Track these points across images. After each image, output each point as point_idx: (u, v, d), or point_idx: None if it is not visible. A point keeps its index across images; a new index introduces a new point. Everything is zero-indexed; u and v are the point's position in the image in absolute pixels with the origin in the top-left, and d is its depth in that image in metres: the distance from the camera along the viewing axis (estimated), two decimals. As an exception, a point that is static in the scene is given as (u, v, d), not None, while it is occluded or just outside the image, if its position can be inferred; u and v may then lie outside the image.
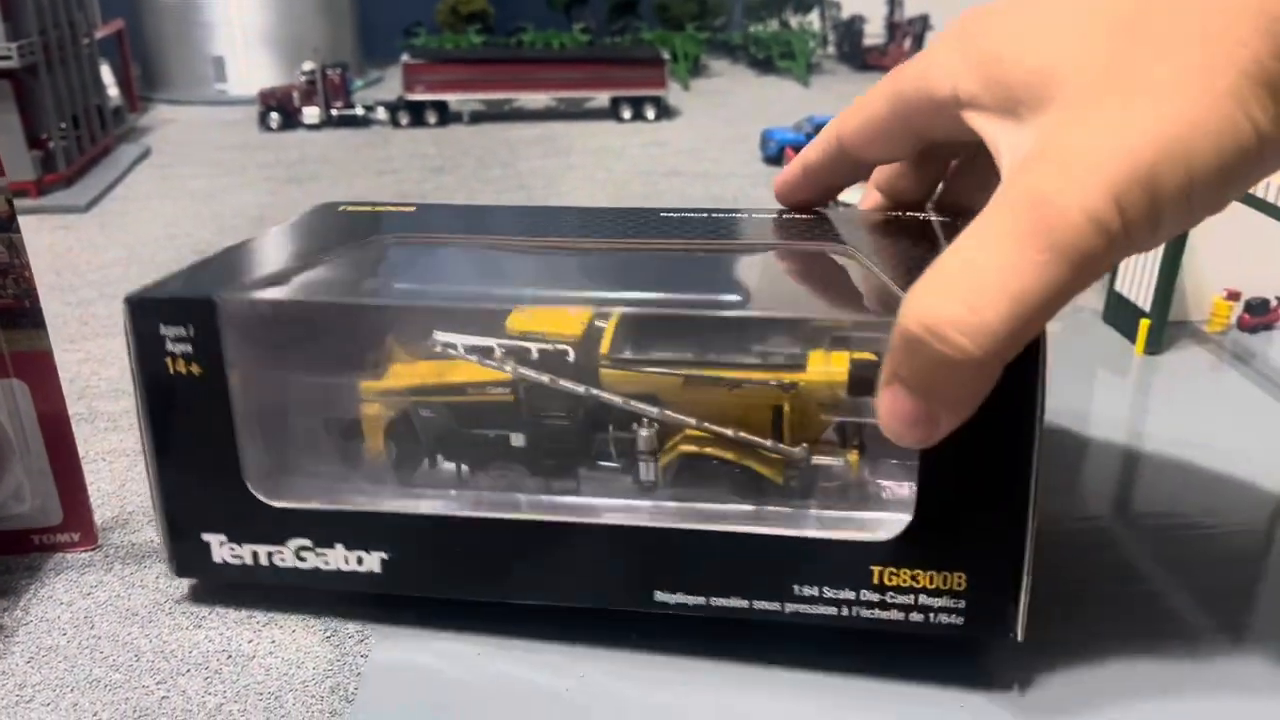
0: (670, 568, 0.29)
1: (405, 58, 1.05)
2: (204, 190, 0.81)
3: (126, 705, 0.29)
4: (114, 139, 0.90)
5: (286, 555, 0.31)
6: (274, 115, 1.01)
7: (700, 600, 0.29)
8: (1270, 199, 0.42)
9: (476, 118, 1.06)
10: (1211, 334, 0.52)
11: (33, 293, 0.32)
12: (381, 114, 1.04)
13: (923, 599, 0.27)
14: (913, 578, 0.27)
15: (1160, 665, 0.30)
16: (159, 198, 0.79)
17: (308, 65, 1.04)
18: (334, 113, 1.03)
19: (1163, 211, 0.22)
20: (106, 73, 0.92)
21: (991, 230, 0.23)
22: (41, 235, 0.69)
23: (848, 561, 0.27)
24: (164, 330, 0.28)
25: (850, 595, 0.27)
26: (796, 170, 0.34)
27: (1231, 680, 0.29)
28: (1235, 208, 0.43)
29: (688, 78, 1.29)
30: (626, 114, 1.07)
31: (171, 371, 0.28)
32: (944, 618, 0.27)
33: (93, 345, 0.53)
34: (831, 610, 0.28)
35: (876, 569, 0.27)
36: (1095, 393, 0.47)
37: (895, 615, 0.27)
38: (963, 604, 0.27)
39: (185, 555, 0.32)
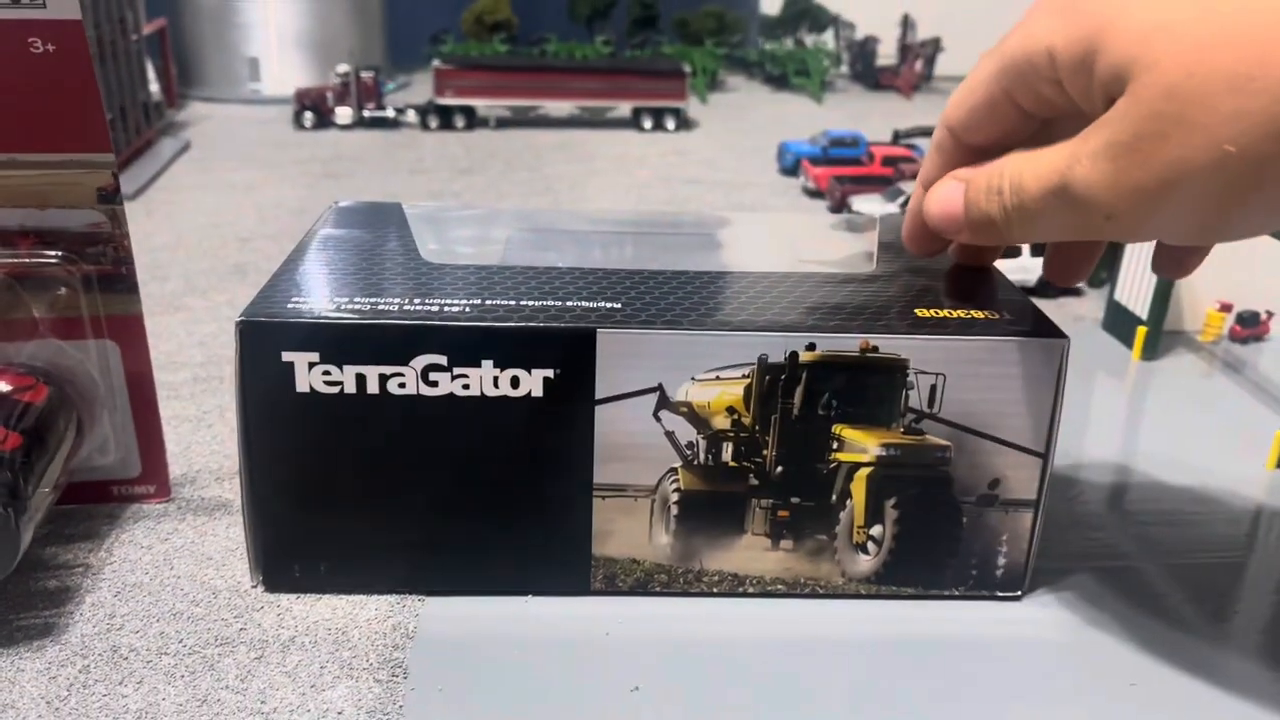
0: None
1: (436, 63, 1.08)
2: (243, 183, 0.84)
3: (209, 634, 0.32)
4: (155, 133, 0.94)
5: None
6: (308, 114, 1.05)
7: None
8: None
9: (502, 123, 1.09)
10: (1204, 343, 0.55)
11: (129, 260, 0.35)
12: (411, 117, 1.07)
13: None
14: None
15: (1137, 629, 0.33)
16: (201, 189, 0.82)
17: (342, 68, 1.07)
18: (366, 114, 1.06)
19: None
20: (148, 69, 0.95)
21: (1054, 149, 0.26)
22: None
23: None
24: None
25: None
26: (915, 206, 0.33)
27: (1202, 644, 0.33)
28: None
29: (705, 91, 1.32)
30: (647, 124, 1.10)
31: None
32: None
33: (149, 321, 0.56)
34: None
35: None
36: (1095, 394, 0.50)
37: None
38: None
39: None
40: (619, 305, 0.31)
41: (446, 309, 0.31)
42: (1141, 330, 0.53)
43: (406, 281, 0.33)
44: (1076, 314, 0.60)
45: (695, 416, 0.31)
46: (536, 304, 0.31)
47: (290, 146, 0.98)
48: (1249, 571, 0.36)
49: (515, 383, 0.30)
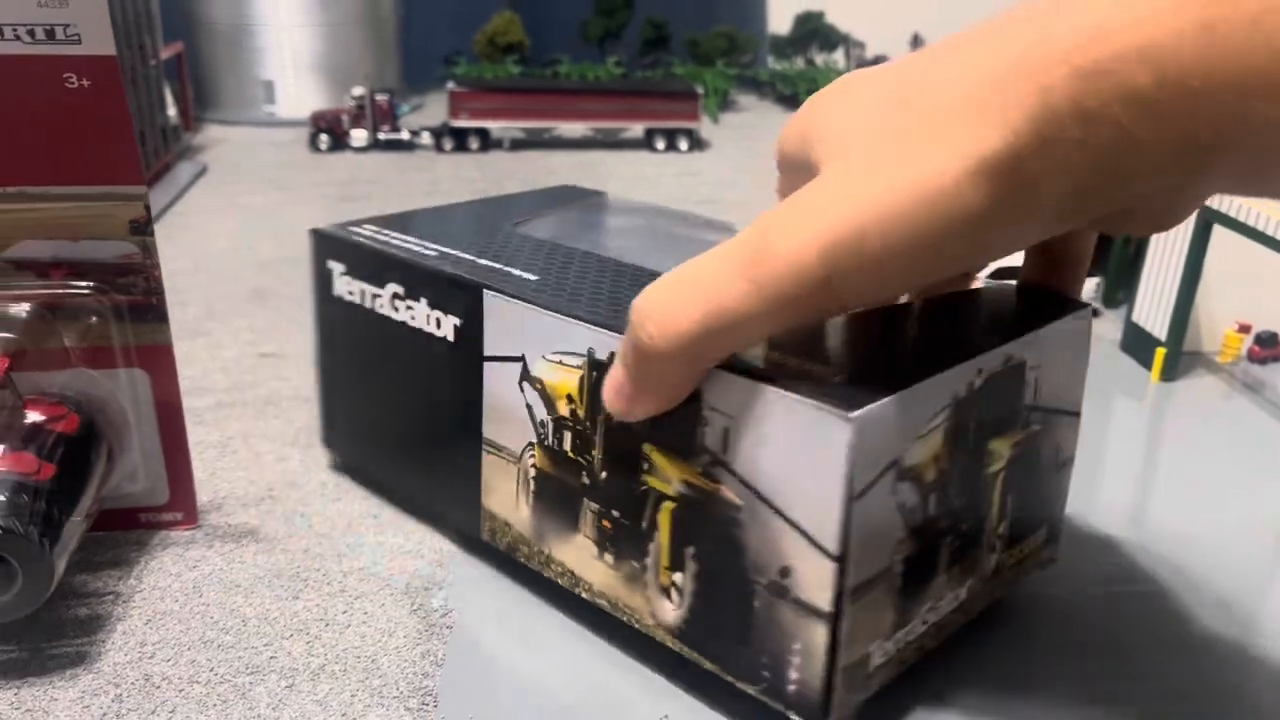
0: None
1: (451, 86, 1.09)
2: (261, 206, 0.85)
3: (239, 662, 0.32)
4: (173, 156, 0.95)
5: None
6: (323, 137, 1.05)
7: None
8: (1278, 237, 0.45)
9: (517, 145, 1.10)
10: (1223, 364, 0.55)
11: (160, 291, 0.36)
12: (426, 139, 1.08)
13: None
14: None
15: (1157, 654, 0.33)
16: (219, 213, 0.83)
17: (357, 90, 1.08)
18: (381, 136, 1.07)
19: (870, 269, 0.24)
20: (165, 93, 0.96)
21: (725, 247, 0.26)
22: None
23: None
24: None
25: None
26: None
27: (1221, 670, 0.33)
28: (1247, 244, 0.47)
29: (717, 112, 1.33)
30: (660, 145, 1.11)
31: None
32: None
33: (171, 347, 0.56)
34: None
35: None
36: (1113, 415, 0.50)
37: None
38: None
39: None
40: (534, 276, 0.33)
41: (421, 249, 0.35)
42: (1160, 351, 0.53)
43: (453, 235, 0.37)
44: (1095, 335, 0.59)
45: (545, 396, 0.30)
46: (481, 261, 0.34)
47: (306, 169, 0.99)
48: (1272, 598, 0.36)
49: (438, 324, 0.34)
